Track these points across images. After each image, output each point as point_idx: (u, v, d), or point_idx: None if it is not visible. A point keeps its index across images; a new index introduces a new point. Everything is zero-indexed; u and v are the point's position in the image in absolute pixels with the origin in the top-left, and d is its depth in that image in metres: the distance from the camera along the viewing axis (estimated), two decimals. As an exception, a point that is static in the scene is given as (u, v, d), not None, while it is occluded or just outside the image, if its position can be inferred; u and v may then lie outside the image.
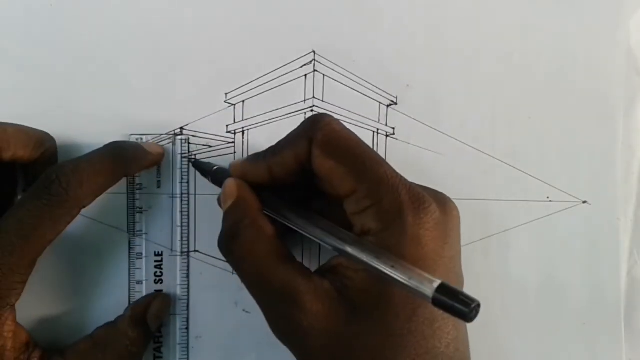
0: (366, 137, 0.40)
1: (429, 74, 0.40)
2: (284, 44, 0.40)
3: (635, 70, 0.40)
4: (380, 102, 0.40)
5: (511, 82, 0.40)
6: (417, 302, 0.30)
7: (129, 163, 0.37)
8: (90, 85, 0.40)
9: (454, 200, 0.33)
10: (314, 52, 0.40)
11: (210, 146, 0.41)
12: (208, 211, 0.40)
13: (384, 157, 0.40)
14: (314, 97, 0.40)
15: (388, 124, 0.40)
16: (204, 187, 0.40)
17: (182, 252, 0.40)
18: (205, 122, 0.40)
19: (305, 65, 0.40)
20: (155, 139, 0.40)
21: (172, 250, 0.40)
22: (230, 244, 0.32)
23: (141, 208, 0.40)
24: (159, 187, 0.40)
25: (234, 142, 0.41)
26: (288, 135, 0.34)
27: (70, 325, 0.39)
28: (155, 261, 0.40)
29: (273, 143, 0.40)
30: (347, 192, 0.31)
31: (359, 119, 0.40)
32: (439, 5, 0.40)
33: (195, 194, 0.40)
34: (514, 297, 0.40)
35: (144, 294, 0.40)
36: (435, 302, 0.26)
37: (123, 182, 0.39)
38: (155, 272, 0.40)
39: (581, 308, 0.40)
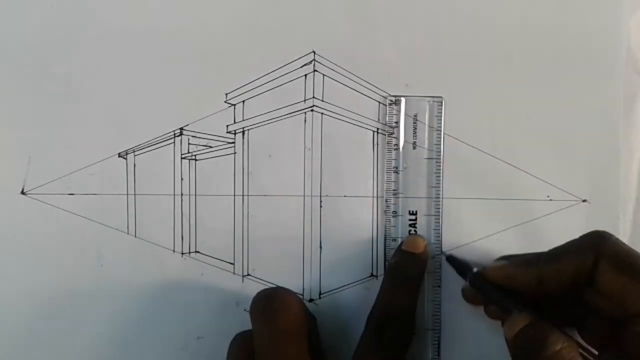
0: (367, 137, 0.40)
1: (428, 73, 0.40)
2: (284, 44, 0.40)
3: (635, 70, 0.40)
4: (380, 102, 0.40)
5: (511, 81, 0.40)
6: None
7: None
8: (90, 85, 0.40)
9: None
10: (314, 52, 0.40)
11: (210, 146, 0.41)
12: (208, 211, 0.40)
13: (384, 156, 0.40)
14: (314, 97, 0.40)
15: (388, 124, 0.40)
16: (204, 187, 0.40)
17: (434, 213, 0.40)
18: (205, 122, 0.40)
19: (305, 65, 0.40)
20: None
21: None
22: None
23: (397, 168, 0.40)
24: (414, 148, 0.40)
25: (234, 142, 0.41)
26: (565, 246, 0.33)
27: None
28: (410, 220, 0.40)
29: (273, 143, 0.40)
30: None
31: (359, 118, 0.40)
32: (439, 5, 0.40)
33: (195, 195, 0.40)
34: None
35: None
36: None
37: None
38: (410, 231, 0.40)
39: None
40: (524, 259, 0.35)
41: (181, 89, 0.40)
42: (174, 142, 0.40)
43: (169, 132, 0.40)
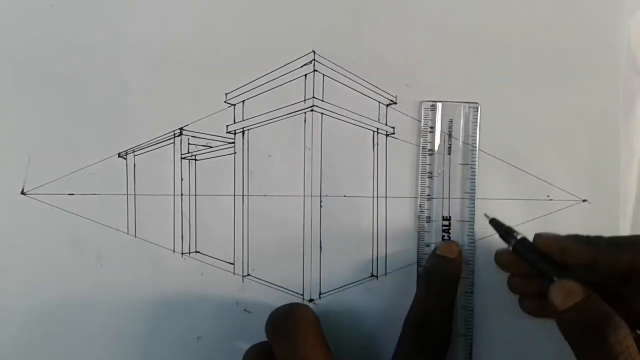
0: (367, 137, 0.40)
1: (429, 73, 0.40)
2: (284, 44, 0.40)
3: (635, 70, 0.40)
4: (380, 102, 0.40)
5: (511, 81, 0.40)
6: None
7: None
8: (90, 85, 0.40)
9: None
10: (314, 52, 0.40)
11: (210, 146, 0.41)
12: (208, 211, 0.40)
13: (384, 157, 0.40)
14: (314, 97, 0.40)
15: (388, 124, 0.40)
16: (204, 187, 0.40)
17: (469, 219, 0.40)
18: (205, 122, 0.40)
19: (305, 65, 0.40)
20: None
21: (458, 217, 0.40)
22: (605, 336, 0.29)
23: (432, 173, 0.40)
24: (449, 153, 0.40)
25: (234, 142, 0.41)
26: (629, 237, 0.33)
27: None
28: (444, 225, 0.40)
29: (273, 143, 0.40)
30: None
31: (359, 118, 0.40)
32: (439, 4, 0.40)
33: (195, 195, 0.40)
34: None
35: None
36: None
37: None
38: (443, 237, 0.40)
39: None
40: (584, 237, 0.34)
41: (181, 89, 0.40)
42: (174, 142, 0.40)
43: (169, 132, 0.40)
